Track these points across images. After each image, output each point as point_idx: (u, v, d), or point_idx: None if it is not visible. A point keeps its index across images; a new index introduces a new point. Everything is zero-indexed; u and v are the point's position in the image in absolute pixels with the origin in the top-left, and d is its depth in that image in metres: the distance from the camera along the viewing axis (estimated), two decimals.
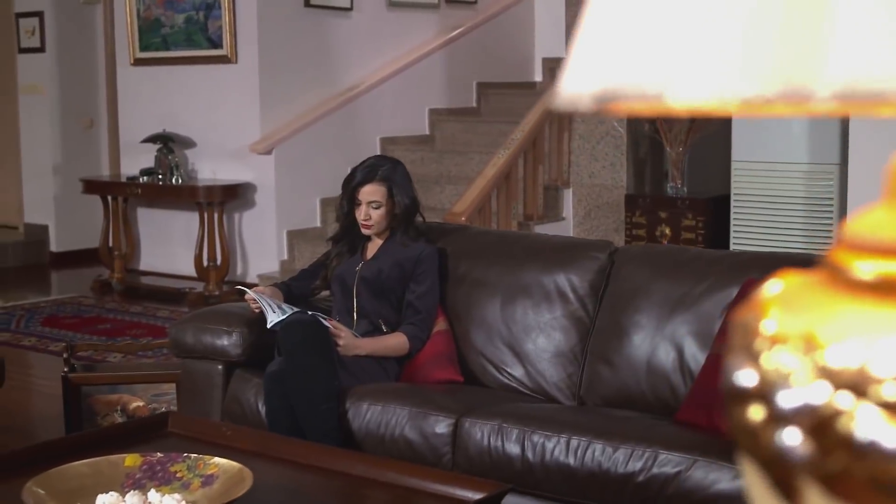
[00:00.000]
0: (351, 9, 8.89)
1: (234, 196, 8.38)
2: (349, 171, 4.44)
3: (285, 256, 8.33)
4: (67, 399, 4.72)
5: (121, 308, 8.15)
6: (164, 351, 6.29)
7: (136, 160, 8.94)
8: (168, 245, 9.01)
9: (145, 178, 8.66)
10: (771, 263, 3.78)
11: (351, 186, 4.32)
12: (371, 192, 4.27)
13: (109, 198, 8.98)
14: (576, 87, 0.81)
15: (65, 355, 4.75)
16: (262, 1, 8.32)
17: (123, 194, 8.91)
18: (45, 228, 10.29)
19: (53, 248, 10.26)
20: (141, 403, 4.72)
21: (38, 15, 10.11)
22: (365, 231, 4.33)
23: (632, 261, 4.05)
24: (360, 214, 4.29)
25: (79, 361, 5.01)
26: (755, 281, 3.66)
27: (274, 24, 8.38)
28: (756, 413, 0.83)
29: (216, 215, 8.36)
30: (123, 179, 8.94)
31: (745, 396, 0.83)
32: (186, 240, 8.72)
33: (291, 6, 8.49)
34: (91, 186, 9.11)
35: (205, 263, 8.35)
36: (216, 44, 8.49)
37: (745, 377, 0.83)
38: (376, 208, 4.27)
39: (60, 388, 5.03)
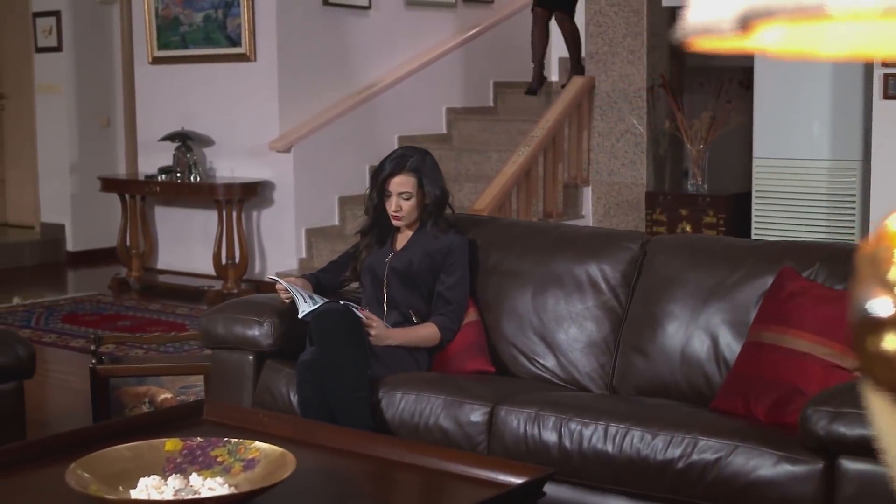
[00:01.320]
0: (369, 7, 8.90)
1: (253, 194, 8.38)
2: (378, 163, 4.44)
3: (304, 254, 8.33)
4: (95, 391, 4.73)
5: (139, 306, 8.15)
6: (185, 346, 6.31)
7: (154, 159, 8.94)
8: (185, 243, 9.01)
9: (163, 176, 8.66)
10: (806, 252, 3.79)
11: (381, 178, 4.31)
12: (401, 183, 4.27)
13: (127, 196, 8.98)
14: (713, 10, 0.80)
15: (92, 347, 4.76)
16: None
17: (142, 192, 8.92)
18: (61, 228, 10.30)
19: (70, 247, 10.27)
20: (169, 395, 4.72)
21: (55, 14, 10.11)
22: (395, 222, 4.32)
23: (665, 251, 4.04)
24: (391, 206, 4.28)
25: (104, 355, 5.01)
26: (791, 270, 3.65)
27: (292, 22, 8.39)
28: (892, 342, 0.82)
29: (235, 213, 8.36)
30: (141, 178, 8.95)
31: (880, 326, 0.82)
32: (204, 238, 8.72)
33: (310, 4, 8.50)
34: (109, 185, 9.12)
35: (223, 261, 8.35)
36: (235, 42, 8.50)
37: (880, 306, 0.83)
38: (406, 199, 4.27)
39: (85, 383, 5.03)
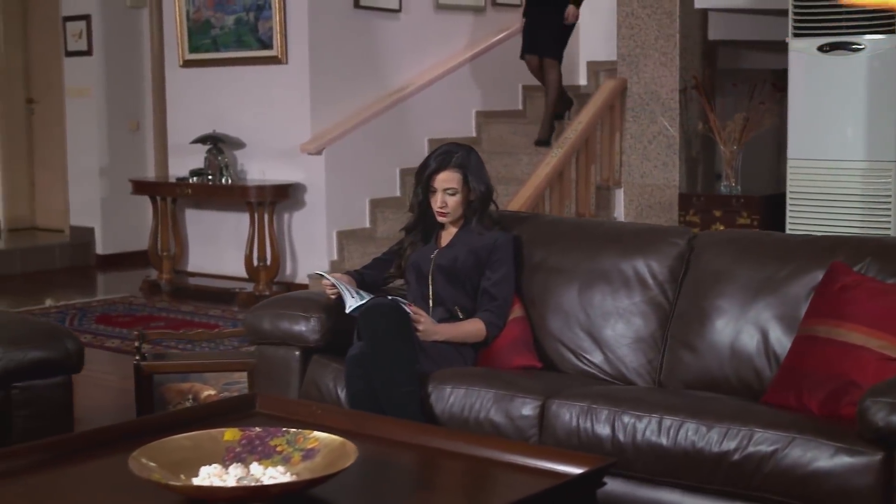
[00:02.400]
0: (399, 10, 8.92)
1: (285, 196, 8.40)
2: (422, 161, 4.44)
3: (335, 257, 8.34)
4: (139, 388, 4.75)
5: (171, 307, 8.17)
6: (220, 345, 6.32)
7: (184, 161, 8.97)
8: (216, 246, 9.03)
9: (195, 178, 8.69)
10: (857, 246, 3.78)
11: (426, 174, 4.32)
12: (446, 179, 4.27)
13: (158, 198, 9.01)
14: None
15: (136, 344, 4.77)
16: (313, 2, 8.34)
17: (173, 195, 8.94)
18: (90, 231, 10.34)
19: (99, 250, 10.30)
20: (212, 392, 4.73)
21: (86, 18, 10.17)
22: (440, 219, 4.33)
23: (713, 246, 4.04)
24: (436, 202, 4.29)
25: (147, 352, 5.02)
26: (842, 264, 3.65)
27: (324, 24, 8.41)
28: None
29: (266, 215, 8.38)
30: (172, 180, 8.97)
31: None
32: (235, 240, 8.74)
33: (341, 7, 8.52)
34: (140, 187, 9.15)
35: (255, 263, 8.37)
36: (266, 44, 8.52)
37: None
38: (452, 195, 4.27)
39: (124, 382, 5.06)
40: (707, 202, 7.32)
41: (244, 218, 8.57)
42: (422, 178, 4.33)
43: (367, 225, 8.60)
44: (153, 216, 9.10)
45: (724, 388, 3.79)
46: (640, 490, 3.42)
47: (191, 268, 9.23)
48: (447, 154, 4.32)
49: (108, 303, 8.39)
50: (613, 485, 3.39)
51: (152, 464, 2.74)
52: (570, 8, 8.74)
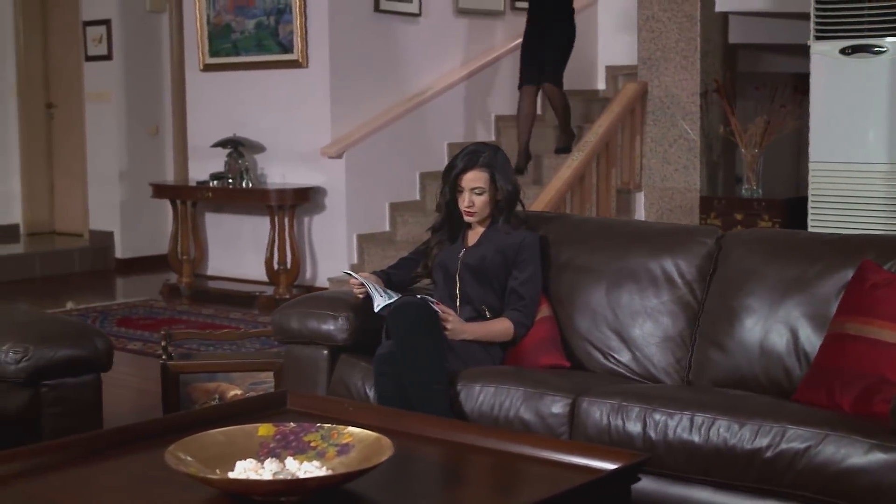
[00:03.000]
0: (419, 14, 8.94)
1: (305, 199, 8.42)
2: (449, 161, 4.45)
3: (355, 260, 8.35)
4: (166, 387, 4.76)
5: (192, 310, 8.19)
6: (242, 347, 6.34)
7: (204, 165, 9.00)
8: (236, 249, 9.05)
9: (216, 182, 8.71)
10: (886, 245, 3.78)
11: (453, 174, 4.32)
12: (473, 179, 4.28)
13: (178, 202, 9.03)
14: None
15: (163, 343, 4.79)
16: (334, 6, 8.37)
17: (194, 198, 8.97)
18: (110, 235, 10.37)
19: (119, 254, 10.33)
20: (239, 392, 4.74)
21: (106, 23, 10.21)
22: (468, 218, 4.33)
23: (741, 245, 4.04)
24: (464, 202, 4.30)
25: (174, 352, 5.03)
26: (872, 262, 3.64)
27: (344, 28, 8.43)
28: None
29: (287, 219, 8.40)
30: (192, 184, 9.00)
31: None
32: (254, 244, 8.76)
33: (361, 11, 8.54)
34: (161, 191, 9.18)
35: (275, 267, 8.39)
36: (287, 48, 8.54)
37: None
38: (479, 194, 4.28)
39: (148, 383, 5.07)
40: (728, 205, 7.31)
41: (264, 222, 8.59)
42: (449, 178, 4.33)
43: (387, 228, 8.61)
44: (173, 220, 9.13)
45: (753, 387, 3.78)
46: (671, 488, 3.42)
47: (210, 271, 9.25)
48: (474, 153, 4.33)
49: (129, 306, 8.41)
50: (644, 483, 3.37)
51: (189, 458, 2.74)
52: None
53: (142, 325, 7.64)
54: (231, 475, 2.72)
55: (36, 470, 2.89)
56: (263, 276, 8.53)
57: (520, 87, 8.54)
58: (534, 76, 8.42)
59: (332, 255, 8.50)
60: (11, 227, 11.20)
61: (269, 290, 8.40)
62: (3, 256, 9.93)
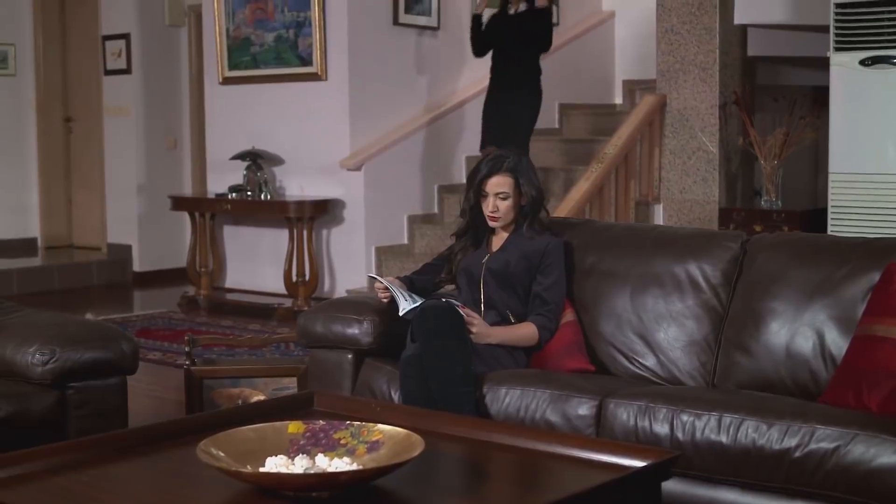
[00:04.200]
0: (438, 28, 8.97)
1: (324, 212, 8.44)
2: (474, 166, 4.47)
3: (373, 273, 8.35)
4: (189, 393, 4.77)
5: (211, 322, 8.21)
6: (259, 354, 6.34)
7: (222, 178, 9.03)
8: (254, 262, 9.07)
9: (234, 194, 8.73)
10: None
11: (477, 179, 4.33)
12: (498, 184, 4.29)
13: (197, 215, 9.05)
14: None
15: (187, 349, 4.80)
16: (353, 19, 8.40)
17: (213, 210, 8.98)
18: (128, 248, 10.40)
19: (136, 267, 10.36)
20: (262, 397, 4.75)
21: (125, 37, 10.27)
22: (492, 223, 4.34)
23: (767, 249, 4.04)
24: (488, 206, 4.30)
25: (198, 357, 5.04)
26: None
27: (363, 41, 8.47)
28: None
29: (305, 231, 8.41)
30: (211, 196, 9.02)
31: None
32: (273, 257, 8.77)
33: (380, 24, 8.58)
34: (180, 203, 9.20)
35: (294, 279, 8.40)
36: (306, 61, 8.58)
37: None
38: (504, 199, 4.28)
39: (171, 393, 5.07)
40: (748, 217, 7.31)
41: (282, 234, 8.60)
42: (473, 183, 4.35)
43: (405, 241, 8.63)
44: (192, 232, 9.15)
45: (779, 390, 3.78)
46: (698, 489, 3.41)
47: (229, 284, 9.27)
48: (499, 159, 4.34)
49: (148, 318, 8.43)
50: (672, 483, 3.38)
51: (220, 453, 2.75)
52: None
53: (161, 335, 7.65)
54: (262, 471, 2.73)
55: (65, 466, 2.90)
56: (282, 289, 8.54)
57: (481, 149, 7.70)
58: (497, 139, 7.40)
59: (350, 268, 8.51)
60: (29, 240, 11.24)
61: (288, 303, 8.40)
62: (21, 269, 9.96)
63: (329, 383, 4.25)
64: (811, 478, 3.20)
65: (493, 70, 7.96)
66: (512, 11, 7.82)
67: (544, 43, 7.78)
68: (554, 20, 8.11)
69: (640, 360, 4.11)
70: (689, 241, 4.23)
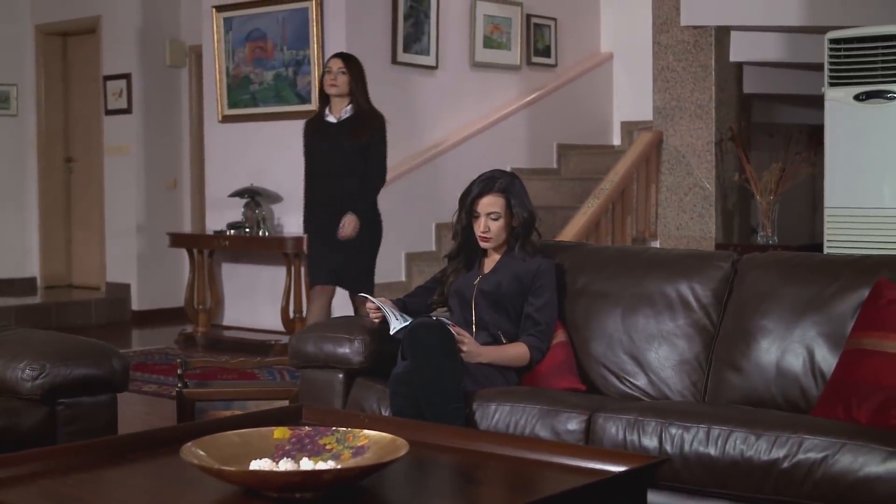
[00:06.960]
0: (436, 67, 9.02)
1: None
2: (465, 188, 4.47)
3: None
4: (181, 415, 4.76)
5: (208, 357, 8.18)
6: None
7: (221, 216, 9.04)
8: (252, 300, 9.06)
9: (233, 231, 8.74)
10: None
11: (469, 199, 4.34)
12: (490, 204, 4.30)
13: (195, 251, 9.06)
14: None
15: (179, 371, 4.79)
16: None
17: (210, 247, 8.99)
18: (126, 287, 10.40)
19: (135, 306, 10.36)
20: None
21: (126, 77, 10.32)
22: (483, 244, 4.34)
23: (757, 268, 4.05)
24: (479, 227, 4.31)
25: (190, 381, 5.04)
26: (887, 281, 3.65)
27: None
28: None
29: (303, 268, 8.41)
30: (210, 233, 9.03)
31: None
32: (270, 294, 8.77)
33: (379, 63, 8.61)
34: (178, 240, 9.22)
35: (291, 315, 8.39)
36: (305, 99, 8.62)
37: None
38: (495, 220, 4.29)
39: (164, 421, 5.04)
40: (744, 252, 7.29)
41: (280, 272, 8.60)
42: (465, 203, 4.35)
43: (403, 278, 8.63)
44: (190, 269, 9.16)
45: (769, 407, 3.77)
46: (688, 501, 3.40)
47: (226, 321, 9.26)
48: (490, 179, 4.35)
49: (145, 353, 8.42)
50: (661, 496, 3.38)
51: (203, 453, 2.74)
52: (349, 217, 6.70)
53: (157, 369, 7.64)
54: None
55: (55, 470, 2.89)
56: (279, 326, 8.53)
57: (311, 287, 7.01)
58: (330, 278, 6.89)
59: (347, 305, 8.48)
60: (29, 280, 11.25)
61: (285, 340, 8.39)
62: (19, 307, 9.97)
63: (320, 403, 4.24)
64: (800, 488, 3.19)
65: (307, 204, 6.96)
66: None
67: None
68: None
69: (631, 379, 4.11)
70: (681, 261, 4.24)
